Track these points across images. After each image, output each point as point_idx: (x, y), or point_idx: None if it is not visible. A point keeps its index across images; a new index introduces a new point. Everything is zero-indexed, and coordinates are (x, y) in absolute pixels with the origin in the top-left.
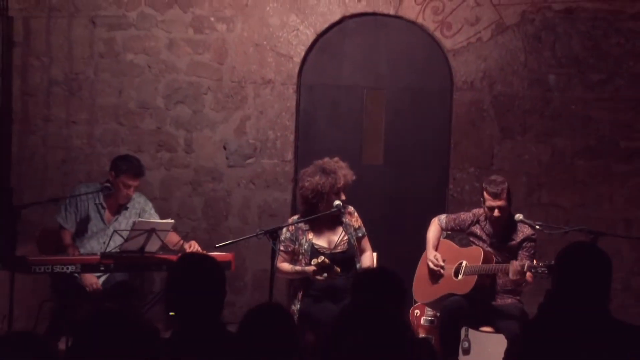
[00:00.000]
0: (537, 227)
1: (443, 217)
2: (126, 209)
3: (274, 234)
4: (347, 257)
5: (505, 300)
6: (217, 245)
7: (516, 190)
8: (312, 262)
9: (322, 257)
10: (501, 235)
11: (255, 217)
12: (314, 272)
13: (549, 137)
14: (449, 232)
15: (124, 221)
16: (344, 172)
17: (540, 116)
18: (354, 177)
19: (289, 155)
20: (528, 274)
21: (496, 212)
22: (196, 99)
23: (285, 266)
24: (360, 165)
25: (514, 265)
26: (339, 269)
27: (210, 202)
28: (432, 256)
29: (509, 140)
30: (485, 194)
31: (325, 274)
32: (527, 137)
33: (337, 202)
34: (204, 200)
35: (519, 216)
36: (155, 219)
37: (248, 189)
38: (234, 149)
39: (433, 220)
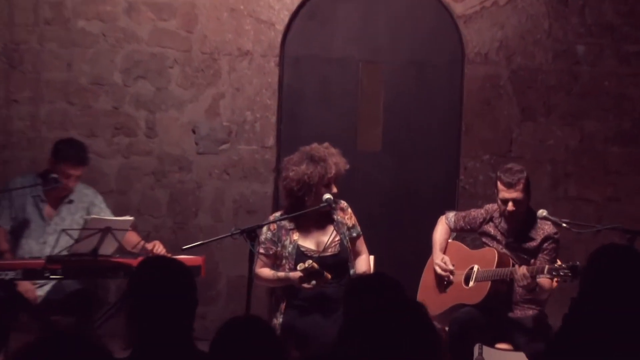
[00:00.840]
0: (564, 225)
1: (451, 215)
2: (70, 202)
3: (252, 234)
4: (339, 261)
5: (525, 312)
6: (184, 247)
7: (539, 182)
8: (298, 267)
9: (310, 261)
10: (519, 235)
11: (230, 214)
12: (301, 279)
13: (577, 119)
14: (459, 233)
15: (69, 217)
16: (335, 160)
17: (567, 94)
18: (347, 167)
19: (270, 141)
20: (544, 279)
21: (510, 206)
22: (160, 73)
23: (266, 272)
24: (355, 153)
25: (520, 270)
26: (329, 275)
27: (176, 196)
28: (439, 260)
29: (530, 122)
30: (498, 183)
31: (313, 282)
32: (551, 119)
33: (327, 195)
34: (169, 194)
35: (542, 212)
36: (108, 216)
37: (222, 180)
38: (205, 132)
39: (440, 219)
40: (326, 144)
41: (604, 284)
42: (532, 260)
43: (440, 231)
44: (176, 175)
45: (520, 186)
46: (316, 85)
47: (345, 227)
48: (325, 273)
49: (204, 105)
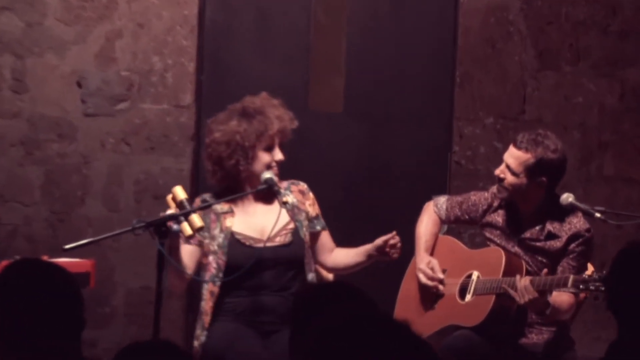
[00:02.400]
0: (597, 215)
1: (442, 200)
2: None
3: (162, 229)
4: (289, 257)
5: (542, 336)
6: (66, 247)
7: None
8: (168, 197)
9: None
10: (537, 228)
11: (130, 200)
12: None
13: (617, 68)
14: (452, 225)
15: None
16: (277, 113)
17: (602, 33)
18: (295, 124)
19: (187, 98)
20: (564, 295)
21: (497, 170)
22: (32, 3)
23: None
24: (306, 115)
25: (521, 281)
26: (200, 222)
27: (55, 175)
28: (424, 264)
29: (551, 72)
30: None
31: (192, 231)
32: (581, 68)
33: (266, 174)
34: (45, 172)
35: (567, 197)
36: None
37: (119, 152)
38: (96, 86)
39: (426, 206)
40: (264, 94)
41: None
42: (520, 276)
43: (426, 224)
44: (54, 145)
45: (528, 155)
46: (251, 20)
47: (304, 215)
48: (191, 222)
49: (94, 47)
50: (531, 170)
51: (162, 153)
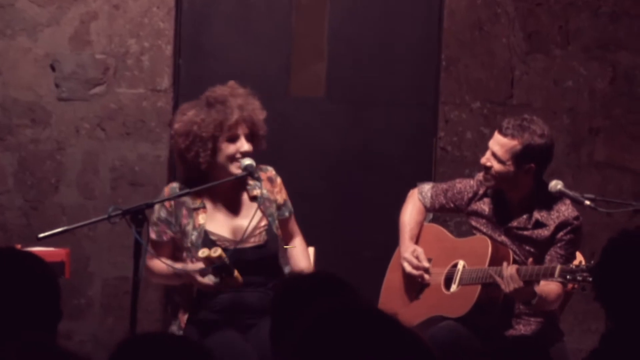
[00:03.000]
0: (587, 202)
1: (426, 188)
2: None
3: (138, 217)
4: (265, 257)
5: (531, 327)
6: (40, 236)
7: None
8: (200, 254)
9: (219, 249)
10: (526, 217)
11: (106, 188)
12: (202, 272)
13: (609, 51)
14: (438, 213)
15: None
16: (239, 102)
17: (593, 15)
18: (263, 114)
19: (165, 82)
20: (552, 284)
21: (483, 159)
22: None
23: (159, 265)
24: (287, 100)
25: (508, 269)
26: (240, 279)
27: (28, 162)
28: (408, 253)
29: (541, 55)
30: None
31: (217, 279)
32: (571, 51)
33: (246, 161)
34: (18, 159)
35: (556, 184)
36: None
37: (94, 138)
38: (70, 70)
39: (410, 194)
40: (231, 83)
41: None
42: (507, 264)
43: (411, 212)
44: (27, 131)
45: (514, 142)
46: (231, 1)
47: (275, 206)
48: (237, 274)
49: (68, 30)
50: (518, 157)
51: (138, 139)
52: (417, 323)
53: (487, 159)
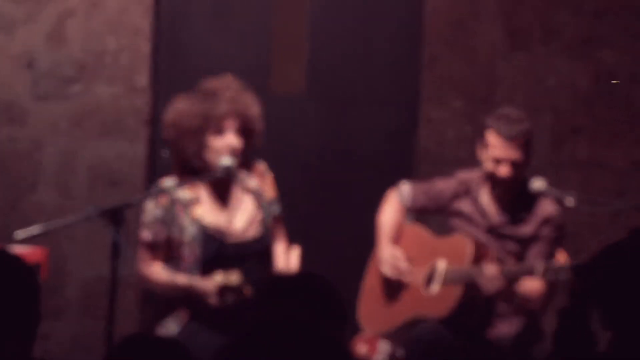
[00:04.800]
0: (569, 201)
1: (406, 189)
2: None
3: (117, 216)
4: (263, 250)
5: (511, 327)
6: (17, 236)
7: (535, 139)
8: (216, 279)
9: (236, 277)
10: (507, 214)
11: (83, 187)
12: (221, 294)
13: (591, 49)
14: (419, 214)
15: None
16: (230, 95)
17: (576, 12)
18: (257, 109)
19: (143, 80)
20: (533, 283)
21: (504, 170)
22: None
23: (159, 273)
24: (267, 97)
25: (488, 268)
26: (249, 291)
27: (4, 161)
28: (387, 253)
29: (523, 52)
30: (491, 136)
31: (229, 299)
32: (552, 49)
33: (225, 160)
34: None
35: (538, 183)
36: None
37: (72, 137)
38: (47, 68)
39: (389, 194)
40: (227, 75)
41: (623, 285)
42: (488, 263)
43: (390, 213)
44: (4, 130)
45: (523, 141)
46: None
47: (266, 201)
48: (246, 287)
49: (45, 27)
50: (531, 145)
51: (116, 137)
52: (399, 324)
53: (508, 169)
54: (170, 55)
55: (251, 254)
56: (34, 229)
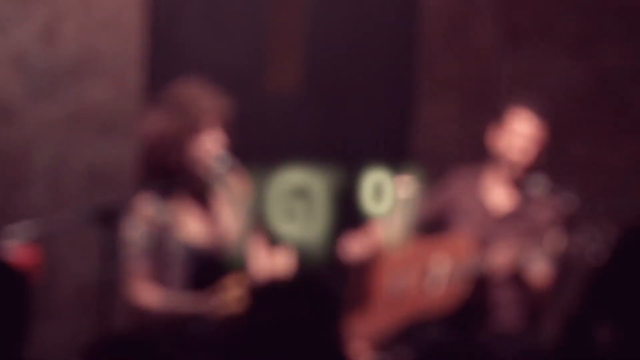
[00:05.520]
0: (568, 201)
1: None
2: None
3: (110, 217)
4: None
5: (514, 318)
6: (9, 238)
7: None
8: (222, 297)
9: (234, 281)
10: (508, 208)
11: (75, 187)
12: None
13: (588, 47)
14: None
15: None
16: (204, 95)
17: (574, 11)
18: (228, 101)
19: (136, 79)
20: (542, 266)
21: (520, 145)
22: None
23: (154, 299)
24: (262, 97)
25: (494, 260)
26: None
27: None
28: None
29: (521, 52)
30: (521, 114)
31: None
32: (551, 48)
33: (218, 167)
34: None
35: (536, 181)
36: None
37: (65, 137)
38: (39, 67)
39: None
40: (183, 80)
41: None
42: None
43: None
44: None
45: (543, 129)
46: None
47: (247, 202)
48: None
49: (36, 27)
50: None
51: (109, 138)
52: (399, 324)
53: (522, 146)
54: (164, 55)
55: (242, 257)
56: (26, 230)
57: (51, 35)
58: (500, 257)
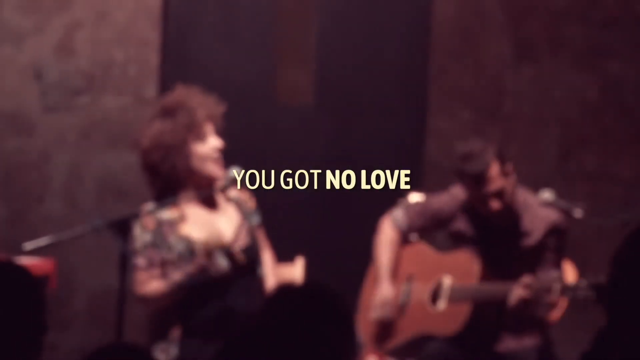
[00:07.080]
0: (577, 213)
1: (399, 213)
2: None
3: (124, 227)
4: (253, 258)
5: (521, 342)
6: (25, 247)
7: (542, 151)
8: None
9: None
10: (505, 229)
11: (91, 198)
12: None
13: (599, 60)
14: (422, 233)
15: None
16: (198, 100)
17: (584, 23)
18: (223, 107)
19: (150, 90)
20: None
21: (494, 203)
22: None
23: (156, 285)
24: (274, 108)
25: (516, 291)
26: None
27: (12, 172)
28: (383, 294)
29: (531, 63)
30: (462, 180)
31: (224, 262)
32: (560, 60)
33: (233, 170)
34: (3, 169)
35: (546, 195)
36: None
37: (79, 148)
38: (55, 79)
39: (383, 221)
40: (178, 87)
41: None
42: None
43: (385, 242)
44: (11, 141)
45: (496, 169)
46: (216, 9)
47: (247, 210)
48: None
49: (53, 38)
50: (504, 160)
51: (123, 149)
52: (403, 341)
53: (496, 202)
54: (178, 66)
55: (243, 264)
56: (41, 241)
57: (66, 48)
58: (517, 291)
